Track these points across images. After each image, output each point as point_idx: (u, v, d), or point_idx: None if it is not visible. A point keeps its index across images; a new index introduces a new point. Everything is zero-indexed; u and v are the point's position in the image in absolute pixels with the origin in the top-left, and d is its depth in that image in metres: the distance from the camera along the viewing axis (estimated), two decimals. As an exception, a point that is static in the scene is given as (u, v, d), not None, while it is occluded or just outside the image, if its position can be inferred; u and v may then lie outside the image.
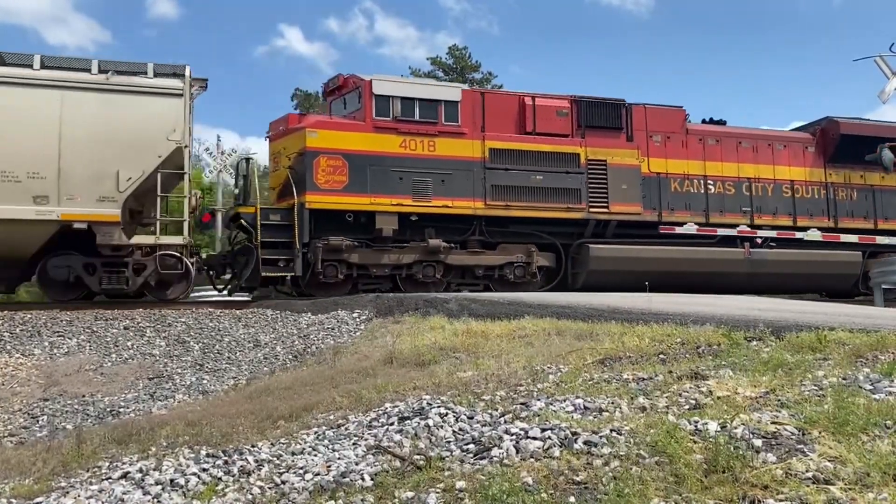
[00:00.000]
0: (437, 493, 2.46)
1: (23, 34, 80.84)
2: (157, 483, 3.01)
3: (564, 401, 3.48)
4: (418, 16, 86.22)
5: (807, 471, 2.32)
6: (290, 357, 8.59)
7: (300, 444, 3.47)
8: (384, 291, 11.62)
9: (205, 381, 7.72)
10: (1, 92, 10.19)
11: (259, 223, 11.40)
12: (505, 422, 3.21)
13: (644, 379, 3.88)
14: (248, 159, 13.38)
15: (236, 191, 13.28)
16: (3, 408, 6.70)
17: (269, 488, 2.79)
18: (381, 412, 3.84)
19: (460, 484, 2.49)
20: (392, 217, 11.92)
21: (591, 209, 13.11)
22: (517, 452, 2.73)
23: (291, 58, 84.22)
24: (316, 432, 3.70)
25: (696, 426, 2.78)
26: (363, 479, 2.69)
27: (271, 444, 3.58)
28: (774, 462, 2.40)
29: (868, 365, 3.76)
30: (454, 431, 3.21)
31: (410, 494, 2.48)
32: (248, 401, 5.45)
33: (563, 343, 5.52)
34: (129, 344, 8.97)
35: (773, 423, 2.78)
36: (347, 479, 2.71)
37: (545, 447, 2.74)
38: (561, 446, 2.73)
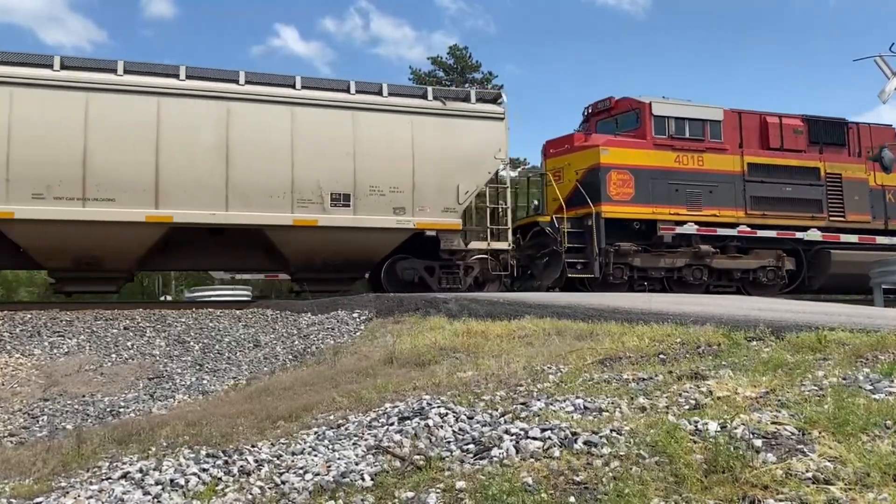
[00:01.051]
0: (437, 493, 2.46)
1: (19, 34, 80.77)
2: (157, 483, 3.01)
3: (564, 401, 3.48)
4: (414, 15, 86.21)
5: (807, 471, 2.32)
6: (290, 357, 8.59)
7: (300, 444, 3.47)
8: (655, 291, 13.32)
9: (205, 381, 7.72)
10: (370, 118, 12.07)
11: (566, 230, 13.13)
12: (505, 422, 3.21)
13: (644, 379, 3.88)
14: (542, 174, 15.18)
15: (535, 202, 15.22)
16: (3, 408, 6.70)
17: (269, 488, 2.79)
18: (381, 412, 3.84)
19: (460, 484, 2.49)
20: (670, 225, 13.74)
21: (831, 218, 14.91)
22: (517, 452, 2.73)
23: (287, 57, 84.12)
24: (316, 432, 3.70)
25: (696, 426, 2.78)
26: (363, 479, 2.69)
27: (271, 444, 3.58)
28: (774, 462, 2.40)
29: (868, 365, 3.75)
30: (454, 431, 3.21)
31: (410, 494, 2.48)
32: (248, 401, 5.45)
33: (563, 343, 5.52)
34: (129, 344, 8.97)
35: (773, 423, 2.78)
36: (347, 479, 2.71)
37: (545, 447, 2.74)
38: (561, 446, 2.73)
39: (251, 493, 2.74)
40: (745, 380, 3.54)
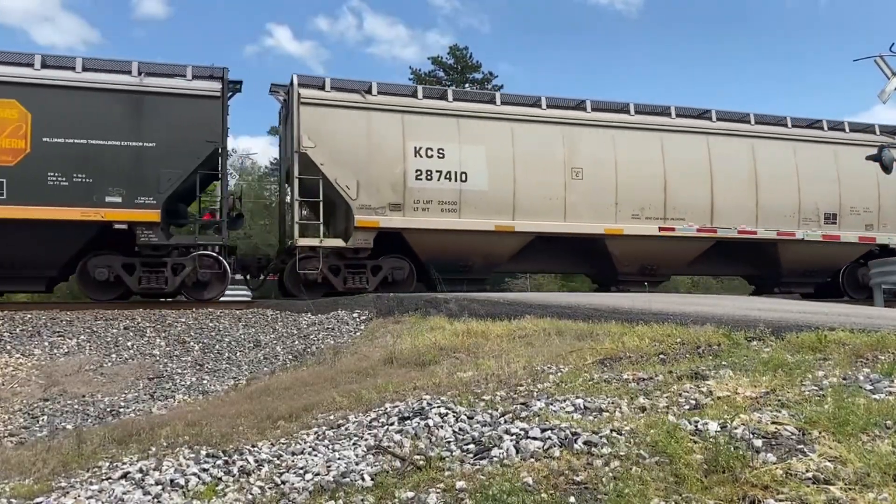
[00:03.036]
0: (437, 493, 2.46)
1: (11, 34, 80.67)
2: (157, 483, 3.01)
3: (564, 401, 3.48)
4: (408, 14, 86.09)
5: (807, 471, 2.32)
6: (290, 357, 8.59)
7: (300, 445, 3.47)
8: None
9: (205, 382, 7.72)
10: (847, 151, 15.43)
11: None
12: (505, 422, 3.21)
13: (644, 379, 3.88)
14: None
15: None
16: (3, 408, 6.70)
17: (269, 488, 2.79)
18: (381, 412, 3.84)
19: (460, 484, 2.49)
20: None
21: None
22: (517, 452, 2.73)
23: (281, 57, 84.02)
24: (316, 432, 3.70)
25: (696, 426, 2.78)
26: (363, 479, 2.69)
27: (271, 444, 3.58)
28: (774, 462, 2.40)
29: (868, 365, 3.75)
30: (454, 431, 3.20)
31: (410, 494, 2.48)
32: (248, 401, 5.45)
33: (563, 343, 5.51)
34: (129, 344, 8.97)
35: (773, 423, 2.78)
36: (347, 479, 2.71)
37: (545, 447, 2.74)
38: (561, 446, 2.73)
39: (251, 493, 2.74)
40: (746, 380, 3.54)
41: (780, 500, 2.15)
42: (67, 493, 3.11)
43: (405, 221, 12.93)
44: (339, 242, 12.90)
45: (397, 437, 3.21)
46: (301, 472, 2.93)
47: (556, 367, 4.53)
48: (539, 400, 3.56)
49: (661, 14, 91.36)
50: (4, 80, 11.29)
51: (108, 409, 6.71)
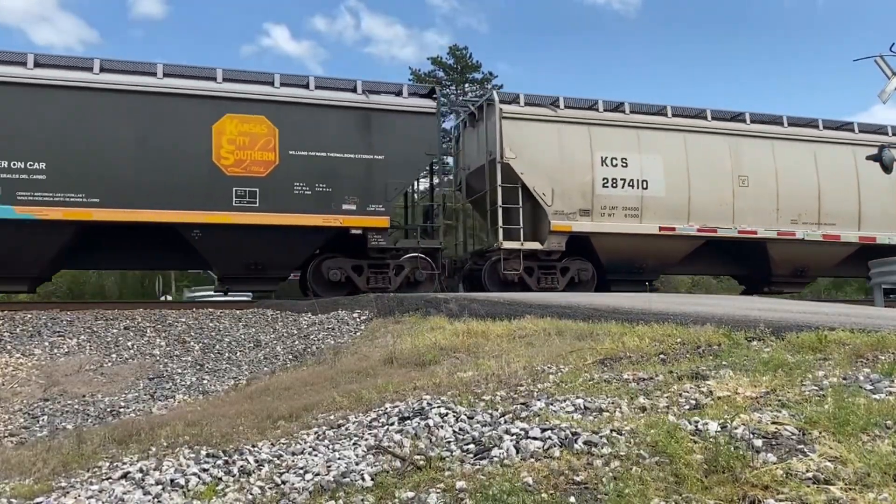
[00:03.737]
0: (438, 492, 2.46)
1: (8, 33, 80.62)
2: (157, 483, 3.01)
3: (564, 401, 3.48)
4: (405, 14, 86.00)
5: (807, 471, 2.32)
6: (291, 357, 8.59)
7: (300, 445, 3.47)
8: None
9: (205, 381, 7.72)
10: None
11: None
12: (505, 422, 3.21)
13: (644, 379, 3.88)
14: None
15: None
16: (3, 408, 6.70)
17: (270, 488, 2.79)
18: (381, 412, 3.84)
19: (460, 484, 2.49)
20: None
21: None
22: (517, 452, 2.73)
23: (279, 57, 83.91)
24: (316, 432, 3.70)
25: (696, 426, 2.78)
26: (363, 479, 2.69)
27: (271, 444, 3.58)
28: (775, 462, 2.40)
29: (868, 365, 3.75)
30: (454, 431, 3.20)
31: (410, 494, 2.48)
32: (248, 401, 5.45)
33: (563, 343, 5.51)
34: (129, 344, 8.97)
35: (773, 423, 2.78)
36: (348, 480, 2.70)
37: (545, 447, 2.73)
38: (561, 446, 2.73)
39: (251, 493, 2.74)
40: (746, 380, 3.54)
41: (780, 500, 2.15)
42: (67, 493, 3.11)
43: (594, 226, 14.31)
44: (536, 245, 14.20)
45: (397, 437, 3.21)
46: (301, 472, 2.93)
47: (557, 367, 4.53)
48: (539, 400, 3.56)
49: (659, 14, 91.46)
50: (254, 98, 12.40)
51: (109, 409, 6.71)
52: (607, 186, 14.39)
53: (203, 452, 3.48)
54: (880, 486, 2.17)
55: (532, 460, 2.64)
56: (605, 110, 14.87)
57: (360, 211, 12.79)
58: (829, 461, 2.38)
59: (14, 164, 11.17)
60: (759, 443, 2.56)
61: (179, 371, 8.07)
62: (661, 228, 14.57)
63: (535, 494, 2.33)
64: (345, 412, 4.12)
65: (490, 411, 3.48)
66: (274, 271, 13.00)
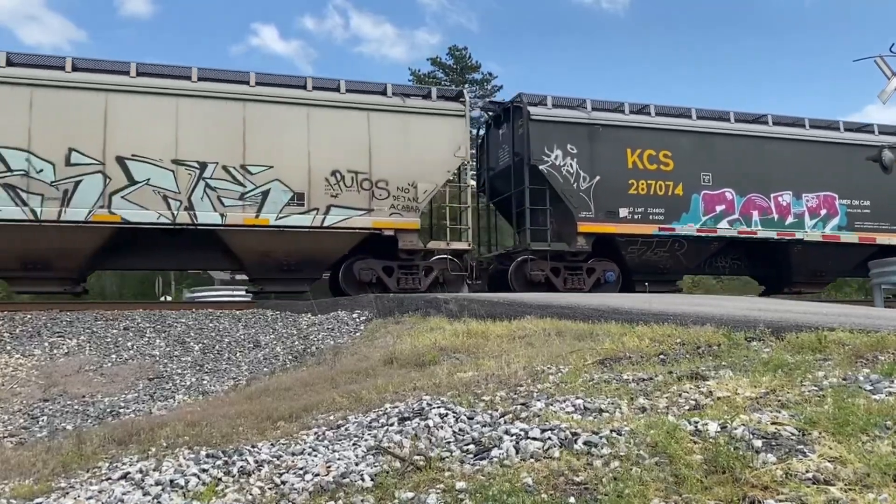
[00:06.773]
0: (437, 493, 2.46)
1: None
2: (156, 483, 3.01)
3: (564, 401, 3.48)
4: (394, 13, 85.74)
5: (807, 471, 2.32)
6: (290, 357, 8.59)
7: (300, 445, 3.46)
8: None
9: (205, 382, 7.72)
10: None
11: None
12: (505, 422, 3.21)
13: (644, 379, 3.88)
14: None
15: None
16: (3, 408, 6.70)
17: (269, 489, 2.79)
18: (380, 412, 3.84)
19: (460, 484, 2.49)
20: None
21: None
22: (517, 453, 2.73)
23: (268, 57, 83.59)
24: (316, 433, 3.70)
25: (696, 426, 2.78)
26: (363, 479, 2.69)
27: (271, 444, 3.58)
28: (774, 462, 2.40)
29: (868, 365, 3.75)
30: (454, 432, 3.20)
31: (410, 495, 2.48)
32: (247, 401, 5.45)
33: (563, 343, 5.51)
34: (129, 344, 8.97)
35: (773, 423, 2.78)
36: (347, 480, 2.70)
37: (545, 448, 2.73)
38: (561, 447, 2.73)
39: (251, 494, 2.74)
40: (746, 380, 3.54)
41: (780, 501, 2.15)
42: (67, 493, 3.11)
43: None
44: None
45: (397, 437, 3.21)
46: (301, 472, 2.93)
47: (556, 367, 4.53)
48: (539, 400, 3.56)
49: (647, 14, 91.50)
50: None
51: (108, 410, 6.71)
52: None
53: (203, 453, 3.48)
54: (880, 487, 2.17)
55: (532, 461, 2.64)
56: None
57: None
58: (829, 461, 2.38)
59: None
60: (758, 443, 2.56)
61: (179, 371, 8.07)
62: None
63: (535, 495, 2.33)
64: (344, 413, 4.12)
65: (490, 412, 3.48)
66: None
